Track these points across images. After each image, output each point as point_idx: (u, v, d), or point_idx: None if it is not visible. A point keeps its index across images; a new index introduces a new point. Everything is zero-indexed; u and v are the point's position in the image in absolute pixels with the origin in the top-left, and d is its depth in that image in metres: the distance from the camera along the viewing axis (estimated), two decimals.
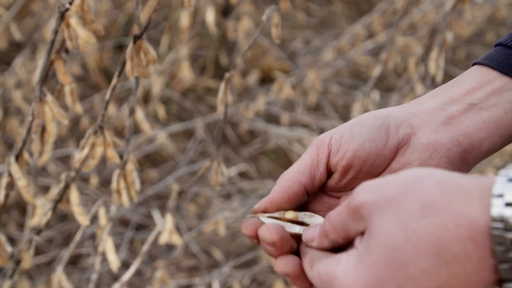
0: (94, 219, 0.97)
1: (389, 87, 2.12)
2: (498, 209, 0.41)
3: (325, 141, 0.55)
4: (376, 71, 1.21)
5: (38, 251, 1.55)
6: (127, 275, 0.91)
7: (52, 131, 0.69)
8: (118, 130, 1.88)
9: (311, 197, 0.56)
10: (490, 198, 0.41)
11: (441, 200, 0.43)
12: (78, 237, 0.90)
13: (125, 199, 0.86)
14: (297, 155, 1.97)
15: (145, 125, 0.83)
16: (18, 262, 0.80)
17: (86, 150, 0.74)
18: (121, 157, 0.82)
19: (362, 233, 0.46)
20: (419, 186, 0.44)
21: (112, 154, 0.76)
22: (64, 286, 0.92)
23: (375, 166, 0.54)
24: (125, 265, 1.62)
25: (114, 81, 0.71)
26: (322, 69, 2.03)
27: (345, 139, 0.54)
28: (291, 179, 0.54)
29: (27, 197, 0.82)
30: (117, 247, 1.61)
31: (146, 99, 1.90)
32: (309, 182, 0.54)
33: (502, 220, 0.41)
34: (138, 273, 1.59)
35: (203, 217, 1.75)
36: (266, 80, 2.20)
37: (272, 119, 2.06)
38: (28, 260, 0.97)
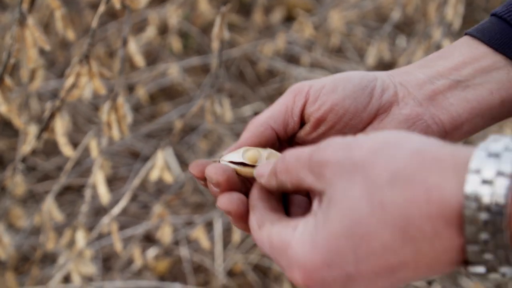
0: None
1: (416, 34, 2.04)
2: (473, 186, 0.37)
3: (303, 89, 0.52)
4: (395, 14, 1.15)
5: (46, 179, 1.55)
6: (116, 210, 0.90)
7: (33, 56, 0.66)
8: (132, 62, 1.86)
9: (282, 145, 0.53)
10: (466, 174, 0.37)
11: (413, 171, 0.39)
12: (69, 166, 0.89)
13: (115, 132, 0.84)
14: None
15: (138, 58, 0.79)
16: (3, 188, 0.79)
17: (71, 79, 0.72)
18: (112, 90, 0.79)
19: (320, 194, 0.42)
20: (392, 152, 0.40)
21: (98, 85, 0.73)
22: (55, 215, 0.91)
23: (349, 126, 0.52)
24: (133, 198, 1.62)
25: (101, 8, 0.68)
26: (347, 10, 1.96)
27: (326, 90, 0.52)
28: (263, 124, 0.51)
29: (17, 123, 0.81)
30: (126, 179, 1.61)
31: (164, 30, 1.86)
32: (281, 129, 0.52)
33: (475, 199, 0.37)
34: (145, 206, 1.59)
35: (213, 154, 1.74)
36: (291, 18, 2.14)
37: (292, 59, 2.01)
38: (21, 187, 0.96)
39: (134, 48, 0.78)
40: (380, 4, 1.98)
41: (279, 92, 1.99)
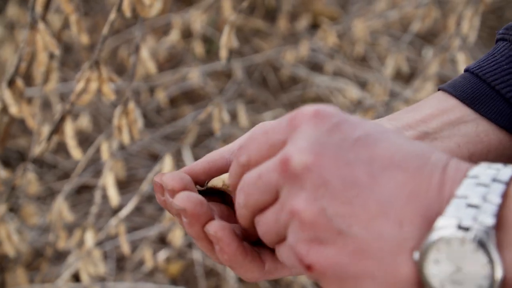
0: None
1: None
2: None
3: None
4: (415, 25, 1.15)
5: (66, 178, 1.58)
6: (123, 212, 0.91)
7: (43, 60, 0.68)
8: (159, 63, 1.88)
9: None
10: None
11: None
12: (80, 168, 0.90)
13: (125, 136, 0.85)
14: (337, 106, 1.92)
15: (149, 64, 0.81)
16: (13, 187, 0.81)
17: (81, 84, 0.73)
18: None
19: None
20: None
21: (107, 90, 0.74)
22: (65, 215, 0.93)
23: None
24: (149, 200, 1.64)
25: (112, 16, 0.69)
26: (372, 20, 1.95)
27: None
28: (219, 154, 0.51)
29: (30, 124, 0.83)
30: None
31: (188, 34, 1.88)
32: None
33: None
34: (161, 207, 1.61)
35: None
36: (316, 26, 2.14)
37: (315, 67, 2.02)
38: (33, 185, 0.98)
39: (146, 54, 0.79)
40: (405, 15, 1.97)
41: (301, 100, 2.00)
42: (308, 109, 0.41)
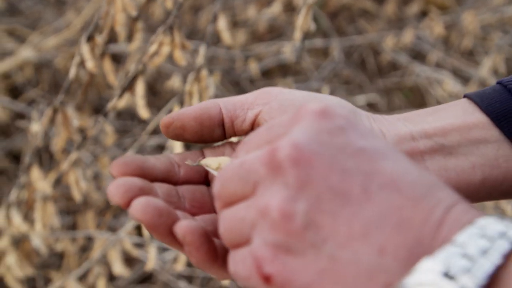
0: None
1: None
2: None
3: (269, 97, 0.47)
4: None
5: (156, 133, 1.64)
6: None
7: (120, 20, 0.71)
8: (259, 33, 1.90)
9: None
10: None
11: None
12: (151, 127, 0.94)
13: (195, 102, 0.87)
14: (434, 98, 1.87)
15: (225, 34, 0.82)
16: (85, 137, 0.85)
17: (154, 47, 0.76)
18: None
19: None
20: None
21: (179, 56, 0.76)
22: None
23: None
24: None
25: None
26: (485, 13, 1.86)
27: (284, 110, 0.46)
28: (213, 102, 0.47)
29: (110, 79, 0.87)
30: None
31: (291, 8, 1.88)
32: (228, 120, 0.47)
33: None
34: None
35: None
36: (426, 13, 2.07)
37: (418, 55, 1.96)
38: (110, 138, 1.03)
39: (222, 25, 0.80)
40: None
41: (398, 87, 1.95)
42: (316, 104, 0.38)
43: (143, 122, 1.69)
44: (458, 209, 0.35)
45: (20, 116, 1.45)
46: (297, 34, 0.78)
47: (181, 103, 0.91)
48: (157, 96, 1.74)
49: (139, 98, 0.80)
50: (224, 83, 1.76)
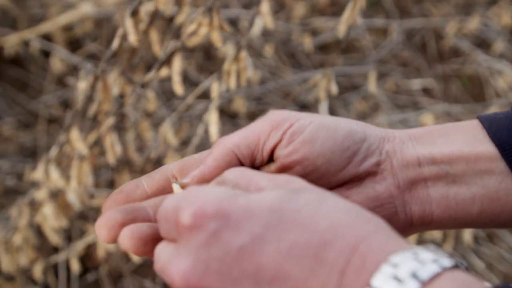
0: None
1: None
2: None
3: (283, 125, 0.47)
4: None
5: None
6: None
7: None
8: (319, 7, 1.88)
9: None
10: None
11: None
12: (190, 100, 0.96)
13: (232, 82, 0.89)
14: (493, 89, 1.82)
15: (267, 18, 0.83)
16: (122, 103, 0.88)
17: (193, 27, 0.77)
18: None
19: None
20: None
21: (216, 37, 0.78)
22: (169, 138, 1.00)
23: (315, 182, 0.46)
24: None
25: None
26: None
27: (303, 138, 0.47)
28: (229, 153, 0.48)
29: (156, 50, 0.89)
30: None
31: None
32: (247, 161, 0.48)
33: None
34: None
35: (364, 117, 1.73)
36: (497, 1, 2.00)
37: (482, 43, 1.90)
38: (152, 105, 1.06)
39: (266, 9, 0.81)
40: None
41: (456, 74, 1.91)
42: (186, 215, 0.38)
43: (195, 85, 1.72)
44: (352, 266, 0.36)
45: (77, 69, 1.50)
46: (342, 27, 0.78)
47: (220, 80, 0.93)
48: (211, 61, 1.76)
49: (175, 74, 0.82)
50: (280, 55, 1.76)
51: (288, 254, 0.37)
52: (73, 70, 1.53)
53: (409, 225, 0.47)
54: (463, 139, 0.48)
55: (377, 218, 0.38)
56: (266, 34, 1.70)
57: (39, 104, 1.55)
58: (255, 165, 0.49)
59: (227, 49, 1.57)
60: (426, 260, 0.35)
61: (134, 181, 0.49)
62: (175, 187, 0.47)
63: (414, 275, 0.34)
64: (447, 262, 0.35)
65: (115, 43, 0.82)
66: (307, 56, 1.83)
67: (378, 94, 1.73)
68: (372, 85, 1.38)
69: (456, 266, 0.35)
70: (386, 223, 0.38)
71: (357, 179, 0.47)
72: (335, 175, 0.47)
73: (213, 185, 0.45)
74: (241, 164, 0.48)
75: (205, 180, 0.47)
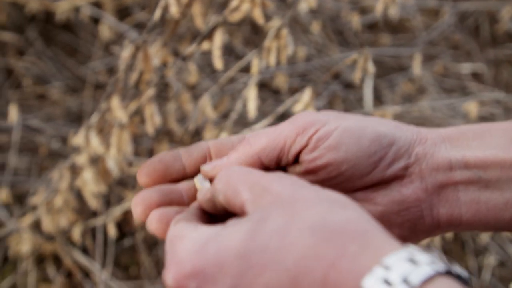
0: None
1: None
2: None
3: (309, 129, 0.48)
4: None
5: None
6: (257, 127, 0.97)
7: None
8: None
9: None
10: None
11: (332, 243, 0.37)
12: (230, 74, 0.97)
13: (272, 59, 0.89)
14: None
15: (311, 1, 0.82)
16: (162, 76, 0.89)
17: (235, 2, 0.77)
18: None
19: (242, 213, 0.41)
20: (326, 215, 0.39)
21: (258, 14, 0.78)
22: (207, 112, 1.01)
23: (339, 187, 0.47)
24: None
25: None
26: None
27: (328, 143, 0.47)
28: (254, 156, 0.48)
29: (198, 23, 0.90)
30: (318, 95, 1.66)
31: None
32: (272, 164, 0.49)
33: None
34: None
35: (411, 100, 1.71)
36: None
37: None
38: (194, 77, 1.07)
39: None
40: None
41: (509, 60, 1.86)
42: (169, 281, 0.40)
43: (241, 59, 1.72)
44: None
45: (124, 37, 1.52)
46: (378, 7, 0.77)
47: (260, 56, 0.93)
48: (258, 34, 1.76)
49: (216, 48, 0.83)
50: (327, 32, 1.75)
51: None
52: (121, 38, 1.55)
53: (435, 227, 0.47)
54: (499, 142, 0.46)
55: (346, 223, 0.38)
56: (314, 10, 1.69)
57: (87, 69, 1.58)
58: (281, 166, 0.49)
59: (274, 24, 1.56)
60: (395, 282, 0.35)
61: (172, 152, 0.50)
62: (198, 181, 0.49)
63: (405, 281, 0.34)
64: (428, 270, 0.35)
65: (157, 14, 0.82)
66: (355, 34, 1.81)
67: (425, 77, 1.70)
68: (417, 67, 1.36)
69: (449, 273, 0.35)
70: (361, 223, 0.38)
71: (384, 182, 0.47)
72: (361, 179, 0.47)
73: (194, 220, 0.45)
74: (265, 167, 0.48)
75: None
